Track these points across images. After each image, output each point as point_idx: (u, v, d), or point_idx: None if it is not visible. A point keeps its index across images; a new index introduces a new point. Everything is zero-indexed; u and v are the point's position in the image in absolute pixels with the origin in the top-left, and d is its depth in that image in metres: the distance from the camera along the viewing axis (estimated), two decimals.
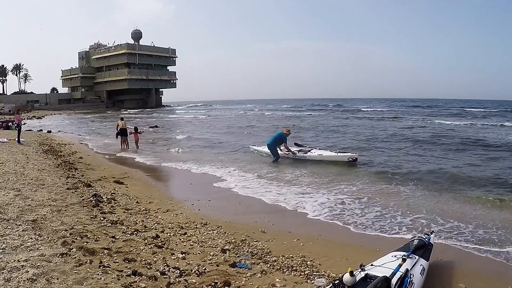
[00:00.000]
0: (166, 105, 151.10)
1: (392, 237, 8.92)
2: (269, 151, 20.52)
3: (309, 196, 12.77)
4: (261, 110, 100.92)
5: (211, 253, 7.43)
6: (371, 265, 5.83)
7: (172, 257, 7.01)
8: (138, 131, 27.59)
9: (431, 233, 7.55)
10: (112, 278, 5.55)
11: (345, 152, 20.15)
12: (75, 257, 5.98)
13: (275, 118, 63.16)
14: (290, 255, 7.62)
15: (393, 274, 5.41)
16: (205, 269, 6.57)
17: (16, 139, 24.67)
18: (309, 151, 20.79)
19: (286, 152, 20.45)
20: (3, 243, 6.17)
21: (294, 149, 20.85)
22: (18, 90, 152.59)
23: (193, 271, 6.43)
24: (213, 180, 15.54)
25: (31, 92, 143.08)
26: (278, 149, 20.39)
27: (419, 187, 13.62)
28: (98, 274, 5.56)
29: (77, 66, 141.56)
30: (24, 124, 36.65)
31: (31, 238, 6.53)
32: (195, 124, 54.44)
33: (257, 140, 28.35)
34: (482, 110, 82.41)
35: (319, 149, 21.46)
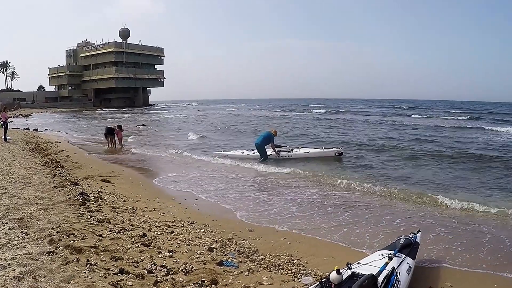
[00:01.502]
0: (154, 104, 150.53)
1: (378, 236, 8.95)
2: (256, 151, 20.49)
3: (295, 194, 12.84)
4: (237, 110, 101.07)
5: (198, 252, 7.44)
6: (358, 263, 5.85)
7: (159, 256, 7.01)
8: (122, 129, 27.63)
9: (418, 232, 7.59)
10: (99, 276, 5.54)
11: (330, 148, 21.10)
12: (62, 256, 5.96)
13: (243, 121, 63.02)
14: (277, 254, 7.66)
15: (380, 272, 5.45)
16: (192, 267, 6.58)
17: (2, 137, 24.47)
18: (291, 150, 21.11)
19: (271, 152, 20.52)
20: None
21: (271, 150, 20.72)
22: (5, 88, 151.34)
23: (180, 269, 6.43)
24: (200, 179, 15.56)
25: (18, 90, 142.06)
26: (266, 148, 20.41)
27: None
28: (85, 272, 5.55)
29: (65, 64, 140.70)
30: (11, 122, 36.36)
31: (18, 237, 6.50)
32: (184, 123, 54.34)
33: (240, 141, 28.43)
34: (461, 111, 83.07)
35: (302, 147, 22.03)
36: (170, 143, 29.37)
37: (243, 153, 21.35)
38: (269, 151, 20.57)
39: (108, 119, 25.87)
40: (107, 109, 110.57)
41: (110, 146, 26.71)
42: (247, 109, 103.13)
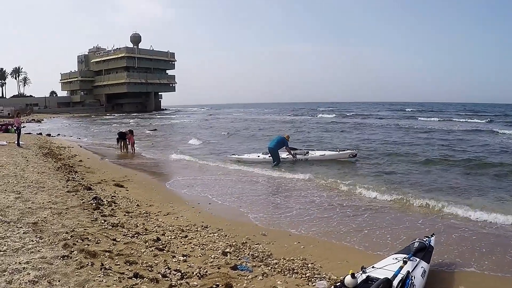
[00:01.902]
0: (165, 109, 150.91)
1: (392, 240, 8.91)
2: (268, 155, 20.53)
3: (308, 198, 12.82)
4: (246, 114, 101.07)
5: (212, 256, 7.43)
6: (372, 267, 5.83)
7: (173, 260, 7.00)
8: (133, 134, 27.73)
9: (432, 236, 7.55)
10: (114, 280, 5.54)
11: (345, 150, 21.40)
12: (77, 260, 5.97)
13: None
14: (291, 258, 7.64)
15: (395, 276, 5.43)
16: (206, 271, 6.57)
17: (16, 142, 24.60)
18: (307, 153, 21.27)
19: (287, 155, 20.65)
20: (4, 245, 6.16)
21: (286, 154, 20.95)
22: (17, 93, 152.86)
23: (195, 273, 6.42)
24: (213, 184, 15.56)
25: (30, 96, 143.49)
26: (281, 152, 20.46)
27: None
28: (99, 276, 5.55)
29: (76, 70, 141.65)
30: (24, 127, 36.63)
31: (32, 241, 6.52)
32: (194, 127, 54.41)
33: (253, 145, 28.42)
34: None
35: (317, 150, 22.29)
36: (181, 147, 29.36)
37: (258, 156, 21.41)
38: (283, 154, 20.68)
39: (114, 124, 25.57)
40: (116, 114, 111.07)
41: (122, 151, 26.79)
42: (256, 114, 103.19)
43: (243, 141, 33.61)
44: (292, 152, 20.84)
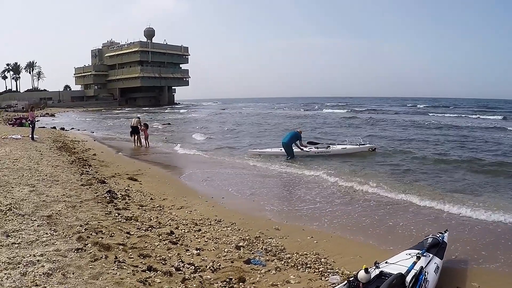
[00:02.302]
0: (179, 103, 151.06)
1: (406, 235, 8.87)
2: (283, 149, 20.53)
3: (322, 193, 12.81)
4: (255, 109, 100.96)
5: (225, 250, 7.45)
6: (386, 262, 5.81)
7: (187, 253, 7.03)
8: (148, 127, 27.87)
9: (445, 232, 7.51)
10: (128, 273, 5.56)
11: (365, 144, 21.85)
12: (91, 252, 6.00)
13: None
14: (304, 253, 7.64)
15: (408, 271, 5.41)
16: (219, 265, 6.59)
17: (30, 136, 24.75)
18: (328, 146, 21.55)
19: (300, 149, 20.71)
20: (19, 238, 6.21)
21: (309, 147, 21.30)
22: (31, 88, 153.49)
23: (208, 267, 6.45)
24: (226, 178, 15.58)
25: (44, 90, 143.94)
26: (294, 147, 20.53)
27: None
28: (113, 269, 5.58)
29: (90, 64, 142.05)
30: (38, 121, 36.80)
31: (47, 233, 6.56)
32: (207, 121, 54.45)
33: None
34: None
35: (338, 144, 22.54)
36: (194, 142, 29.43)
37: (281, 149, 21.22)
38: (305, 148, 21.04)
39: (138, 118, 25.86)
40: (127, 108, 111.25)
41: (136, 144, 26.87)
42: (268, 108, 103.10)
43: (254, 136, 33.56)
44: (308, 146, 21.24)
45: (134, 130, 27.25)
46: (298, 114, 70.54)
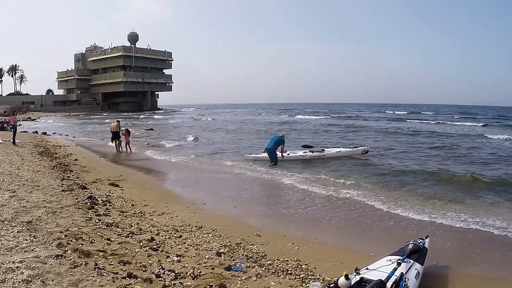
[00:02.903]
0: (162, 108, 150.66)
1: (387, 241, 8.91)
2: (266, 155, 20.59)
3: (304, 199, 12.84)
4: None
5: (206, 256, 7.43)
6: (366, 268, 5.84)
7: (167, 260, 7.01)
8: (129, 133, 27.82)
9: (426, 238, 7.56)
10: (108, 280, 5.54)
11: (358, 147, 22.99)
12: (70, 259, 5.97)
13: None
14: (285, 259, 7.65)
15: (388, 277, 5.44)
16: (200, 272, 6.57)
17: (11, 140, 24.54)
18: (323, 150, 22.08)
19: (281, 154, 20.85)
20: None
21: (302, 151, 21.99)
22: (14, 91, 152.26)
23: (188, 274, 6.43)
24: (208, 184, 15.57)
25: (27, 94, 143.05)
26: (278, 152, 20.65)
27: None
28: (93, 276, 5.55)
29: (73, 68, 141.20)
30: (20, 125, 36.58)
31: (26, 240, 6.52)
32: (190, 127, 54.34)
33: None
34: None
35: (332, 147, 23.36)
36: (177, 147, 29.35)
37: (283, 155, 21.48)
38: (300, 152, 21.92)
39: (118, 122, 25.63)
40: (105, 114, 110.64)
41: (118, 150, 26.75)
42: (248, 114, 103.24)
43: (233, 142, 33.52)
44: (307, 150, 21.91)
45: (115, 135, 27.12)
46: (274, 121, 70.57)
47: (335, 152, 22.02)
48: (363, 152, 22.25)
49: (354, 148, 22.60)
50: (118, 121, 28.18)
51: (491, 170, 18.43)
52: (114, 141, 27.13)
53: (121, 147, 26.85)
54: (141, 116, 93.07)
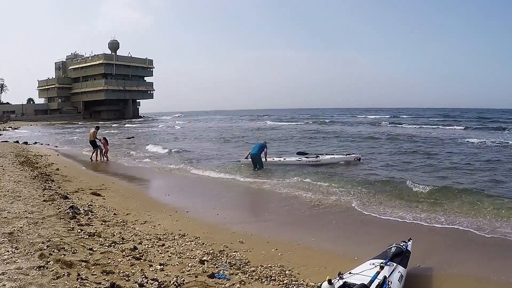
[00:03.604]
0: (144, 116, 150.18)
1: (370, 245, 8.95)
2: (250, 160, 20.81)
3: (287, 205, 12.87)
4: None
5: (189, 264, 7.41)
6: (349, 273, 5.88)
7: (151, 269, 6.98)
8: (107, 141, 27.53)
9: (409, 240, 7.62)
10: None
11: (351, 154, 23.61)
12: (53, 270, 5.93)
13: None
14: (269, 265, 7.66)
15: (371, 281, 5.48)
16: (183, 280, 6.55)
17: None
18: (317, 156, 22.65)
19: (267, 159, 21.41)
20: None
21: (297, 157, 22.65)
22: None
23: (172, 282, 6.40)
24: (190, 192, 15.55)
25: (7, 103, 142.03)
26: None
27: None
28: (76, 286, 5.51)
29: (54, 77, 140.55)
30: (0, 135, 36.23)
31: (8, 251, 6.46)
32: (172, 135, 54.24)
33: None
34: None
35: (326, 154, 23.90)
36: (158, 155, 29.26)
37: (284, 159, 22.47)
38: (294, 158, 22.64)
39: (97, 129, 25.43)
40: (92, 122, 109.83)
41: (96, 159, 26.36)
42: (231, 121, 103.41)
43: (215, 149, 33.55)
44: (302, 156, 22.44)
45: (92, 144, 26.85)
46: (256, 127, 70.71)
47: (329, 158, 22.52)
48: (356, 159, 22.63)
49: (347, 155, 23.11)
50: (97, 128, 27.98)
51: (471, 173, 18.56)
52: (93, 150, 26.68)
53: (102, 156, 26.59)
54: (124, 124, 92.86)
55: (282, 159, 22.37)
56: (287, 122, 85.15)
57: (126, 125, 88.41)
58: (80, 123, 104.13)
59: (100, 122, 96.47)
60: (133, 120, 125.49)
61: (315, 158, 22.18)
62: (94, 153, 26.56)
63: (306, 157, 22.31)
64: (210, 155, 28.19)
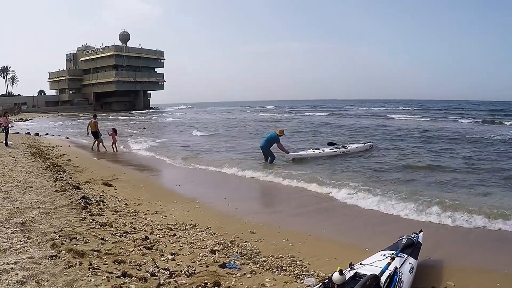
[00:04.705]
0: (154, 107, 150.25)
1: (381, 236, 8.92)
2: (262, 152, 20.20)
3: (297, 196, 12.87)
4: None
5: (200, 254, 7.44)
6: (360, 264, 5.86)
7: (162, 259, 7.00)
8: (116, 132, 27.63)
9: (420, 232, 7.58)
10: (102, 280, 5.53)
11: (366, 142, 25.08)
12: (65, 259, 5.96)
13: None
14: (280, 255, 7.66)
15: (382, 272, 5.45)
16: (194, 270, 6.57)
17: (4, 141, 24.44)
18: (345, 146, 23.14)
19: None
20: None
21: (329, 148, 22.63)
22: (5, 93, 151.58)
23: (183, 272, 6.43)
24: (201, 182, 15.57)
25: (19, 95, 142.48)
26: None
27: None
28: (88, 276, 5.54)
29: (65, 68, 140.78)
30: (12, 126, 36.41)
31: (20, 241, 6.50)
32: (184, 126, 54.20)
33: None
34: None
35: (351, 143, 24.67)
36: (170, 146, 29.25)
37: (314, 151, 21.89)
38: (309, 150, 22.15)
39: (95, 118, 25.31)
40: (104, 113, 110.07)
41: (98, 149, 26.35)
42: (246, 113, 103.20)
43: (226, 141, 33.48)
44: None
45: (94, 135, 26.82)
46: (266, 118, 70.56)
47: (355, 148, 23.08)
48: (370, 146, 24.19)
49: (365, 144, 24.44)
50: (94, 116, 27.91)
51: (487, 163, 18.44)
52: (97, 140, 26.64)
53: (99, 147, 26.51)
54: (141, 115, 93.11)
55: (321, 150, 21.87)
56: (307, 112, 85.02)
57: (134, 117, 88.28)
58: (91, 114, 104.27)
59: (118, 113, 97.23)
60: (143, 111, 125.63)
61: (344, 149, 22.39)
62: (97, 143, 26.60)
63: (337, 147, 22.53)
64: (221, 146, 28.19)
